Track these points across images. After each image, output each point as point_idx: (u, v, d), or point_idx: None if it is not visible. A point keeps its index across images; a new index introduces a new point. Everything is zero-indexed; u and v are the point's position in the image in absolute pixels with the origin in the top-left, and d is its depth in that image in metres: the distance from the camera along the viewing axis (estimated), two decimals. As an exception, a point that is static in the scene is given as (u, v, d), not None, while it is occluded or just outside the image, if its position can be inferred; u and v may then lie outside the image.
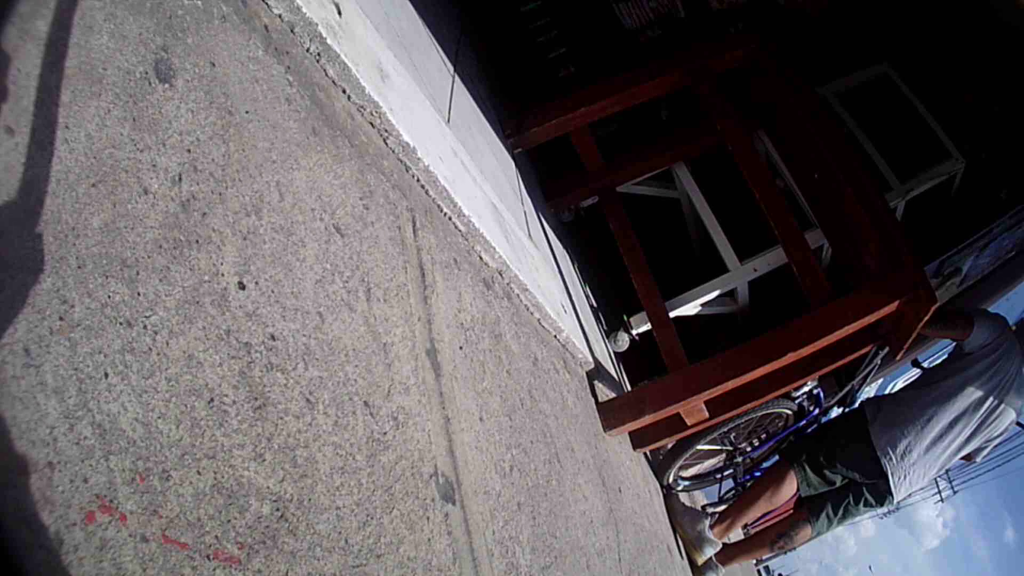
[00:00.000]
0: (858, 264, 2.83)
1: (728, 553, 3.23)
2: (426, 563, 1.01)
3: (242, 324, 0.83)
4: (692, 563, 3.14)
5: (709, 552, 3.14)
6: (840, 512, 3.03)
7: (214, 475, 0.70)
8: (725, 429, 3.15)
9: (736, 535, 3.41)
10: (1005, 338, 2.92)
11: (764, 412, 3.18)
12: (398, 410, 1.10)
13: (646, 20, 3.63)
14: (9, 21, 0.67)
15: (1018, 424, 3.20)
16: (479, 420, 1.42)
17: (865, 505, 3.00)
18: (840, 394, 3.17)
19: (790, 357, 2.50)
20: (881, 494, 2.96)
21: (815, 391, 3.39)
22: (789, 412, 3.36)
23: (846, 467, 2.98)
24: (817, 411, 3.45)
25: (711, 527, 3.18)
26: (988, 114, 3.64)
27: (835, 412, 3.55)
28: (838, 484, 3.02)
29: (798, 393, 3.29)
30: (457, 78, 2.42)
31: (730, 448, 3.53)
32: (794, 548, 3.36)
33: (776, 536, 3.19)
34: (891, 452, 2.90)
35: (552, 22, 3.62)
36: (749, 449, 3.57)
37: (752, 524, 4.09)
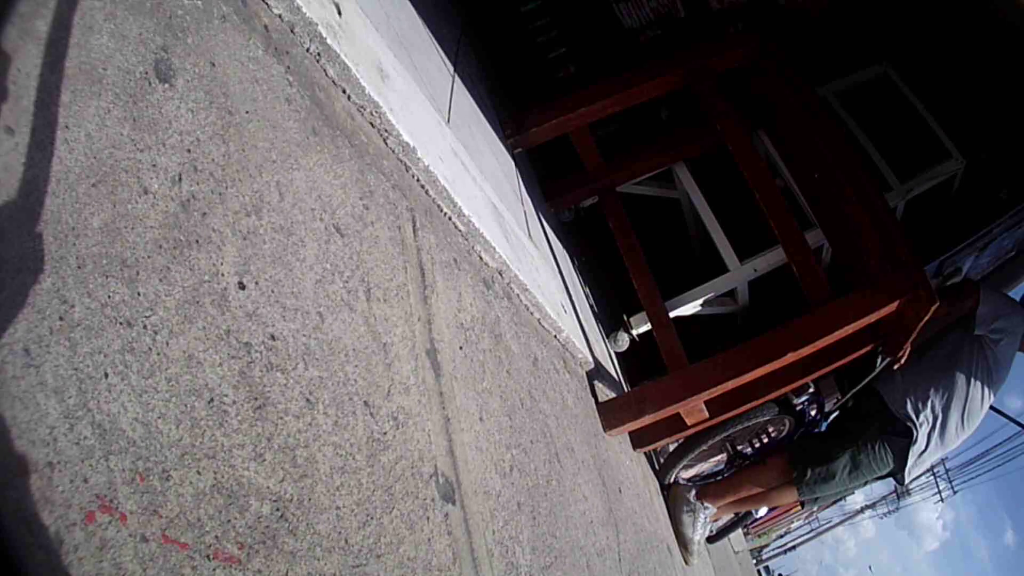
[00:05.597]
0: (858, 264, 2.83)
1: (708, 492, 3.21)
2: (426, 563, 1.01)
3: (242, 324, 0.83)
4: (678, 535, 3.13)
5: (691, 524, 3.13)
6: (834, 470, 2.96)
7: (214, 475, 0.70)
8: (726, 434, 3.15)
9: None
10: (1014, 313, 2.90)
11: (763, 419, 3.17)
12: (398, 410, 1.10)
13: (646, 20, 3.63)
14: (9, 21, 0.67)
15: (1017, 424, 3.20)
16: (479, 420, 1.41)
17: (877, 457, 2.91)
18: (842, 400, 3.16)
19: (790, 357, 2.50)
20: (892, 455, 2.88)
21: (815, 399, 3.39)
22: (789, 418, 3.35)
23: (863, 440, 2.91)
24: (819, 416, 3.45)
25: (698, 496, 3.18)
26: (988, 114, 3.64)
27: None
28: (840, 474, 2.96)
29: (798, 400, 3.29)
30: (457, 78, 2.42)
31: (731, 452, 3.53)
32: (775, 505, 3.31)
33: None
34: (921, 409, 2.86)
35: (552, 22, 3.62)
36: (749, 451, 3.57)
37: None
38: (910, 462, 2.89)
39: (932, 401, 2.86)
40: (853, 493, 3.32)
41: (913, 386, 2.89)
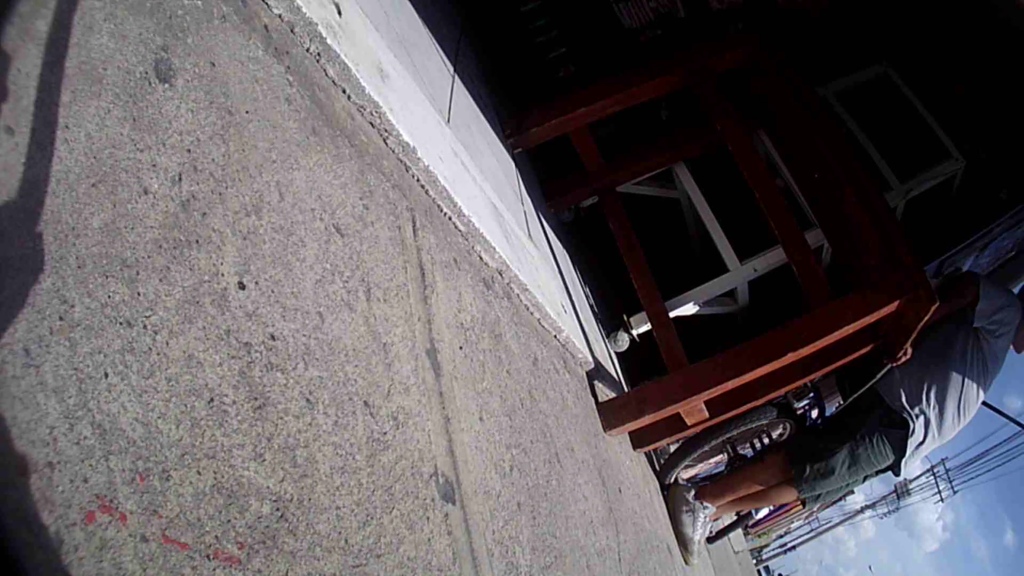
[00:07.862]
0: (858, 264, 2.83)
1: (708, 491, 3.20)
2: (426, 563, 1.01)
3: (242, 324, 0.83)
4: (678, 535, 3.12)
5: (691, 522, 3.12)
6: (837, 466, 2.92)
7: (214, 475, 0.70)
8: (726, 435, 3.14)
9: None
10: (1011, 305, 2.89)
11: (763, 422, 3.16)
12: (398, 410, 1.10)
13: (646, 20, 3.63)
14: (9, 21, 0.67)
15: (1017, 424, 3.19)
16: (479, 420, 1.41)
17: (875, 452, 2.88)
18: (844, 404, 3.15)
19: (790, 357, 2.50)
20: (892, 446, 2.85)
21: (816, 402, 3.37)
22: (790, 421, 3.34)
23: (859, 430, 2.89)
24: (819, 420, 3.45)
25: (697, 496, 3.17)
26: (988, 114, 3.64)
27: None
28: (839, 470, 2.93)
29: (798, 404, 3.28)
30: (457, 78, 2.42)
31: (731, 453, 3.53)
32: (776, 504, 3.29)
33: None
34: (917, 400, 2.84)
35: (552, 22, 3.62)
36: (750, 453, 3.57)
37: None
38: (908, 452, 2.88)
39: (928, 392, 2.85)
40: (853, 492, 3.32)
41: (909, 377, 2.89)
